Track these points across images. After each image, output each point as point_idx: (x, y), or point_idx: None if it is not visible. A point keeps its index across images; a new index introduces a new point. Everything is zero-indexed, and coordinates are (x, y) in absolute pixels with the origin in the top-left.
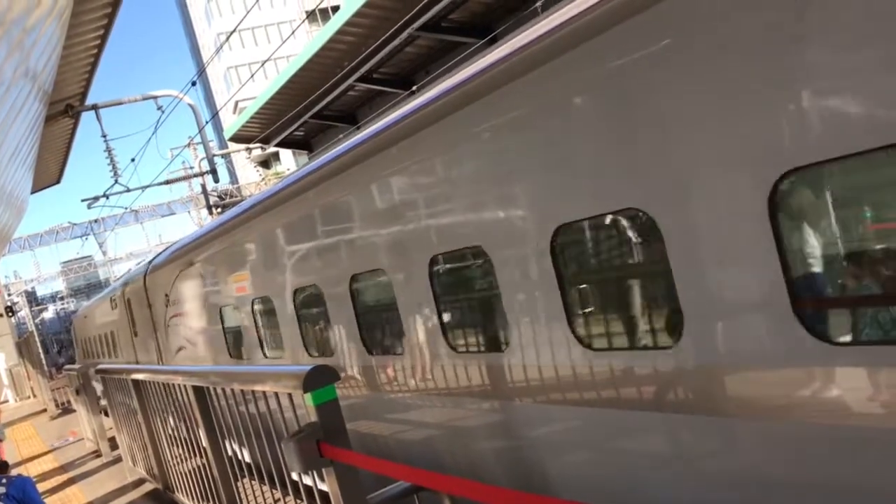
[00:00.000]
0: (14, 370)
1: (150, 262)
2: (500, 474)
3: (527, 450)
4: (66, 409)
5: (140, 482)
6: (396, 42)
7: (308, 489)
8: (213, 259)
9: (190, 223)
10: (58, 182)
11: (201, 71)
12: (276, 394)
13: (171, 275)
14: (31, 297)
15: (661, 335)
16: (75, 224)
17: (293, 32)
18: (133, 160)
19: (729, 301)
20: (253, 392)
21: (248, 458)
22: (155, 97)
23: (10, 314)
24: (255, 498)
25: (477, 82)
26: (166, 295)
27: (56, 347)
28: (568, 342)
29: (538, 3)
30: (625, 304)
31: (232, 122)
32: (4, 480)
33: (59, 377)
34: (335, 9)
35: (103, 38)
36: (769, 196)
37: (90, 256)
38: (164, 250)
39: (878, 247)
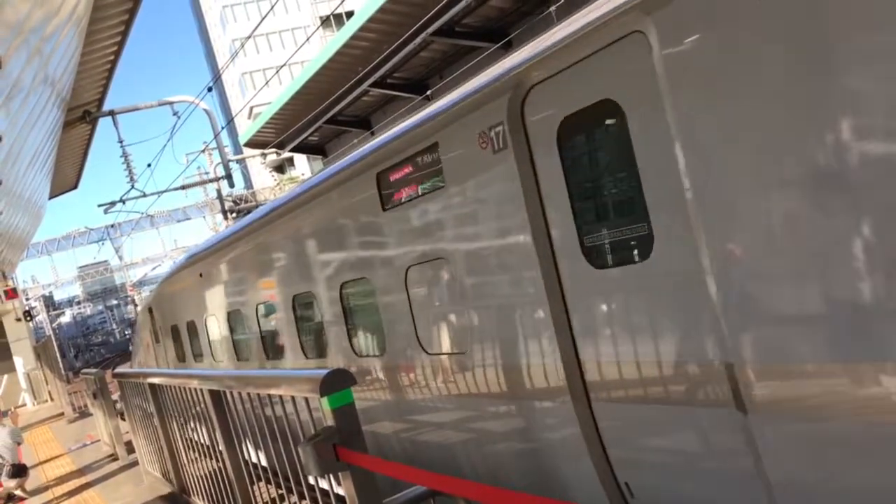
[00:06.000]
0: (32, 374)
1: None
2: None
3: None
4: (84, 413)
5: (156, 485)
6: (411, 47)
7: (324, 493)
8: None
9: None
10: (75, 187)
11: (217, 77)
12: (293, 397)
13: None
14: (49, 302)
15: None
16: (92, 229)
17: (308, 38)
18: (149, 165)
19: None
20: (269, 396)
21: (264, 462)
22: (171, 103)
23: (29, 319)
24: (271, 501)
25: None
26: None
27: (73, 352)
28: None
29: (552, 8)
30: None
31: (247, 128)
32: None
33: (76, 381)
34: (349, 14)
35: (120, 44)
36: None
37: (106, 261)
38: None
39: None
